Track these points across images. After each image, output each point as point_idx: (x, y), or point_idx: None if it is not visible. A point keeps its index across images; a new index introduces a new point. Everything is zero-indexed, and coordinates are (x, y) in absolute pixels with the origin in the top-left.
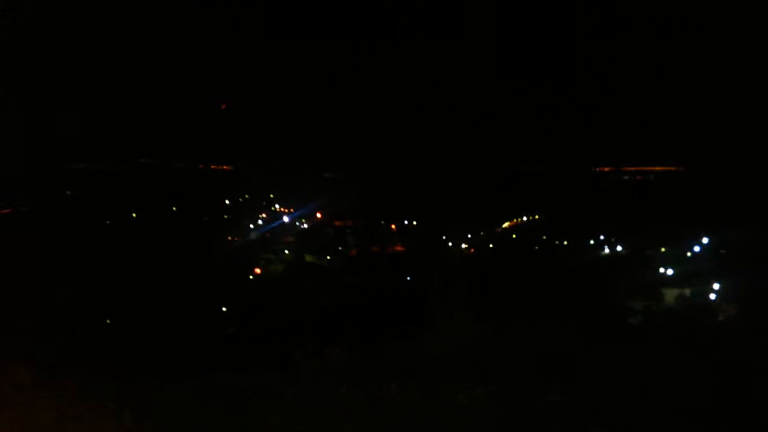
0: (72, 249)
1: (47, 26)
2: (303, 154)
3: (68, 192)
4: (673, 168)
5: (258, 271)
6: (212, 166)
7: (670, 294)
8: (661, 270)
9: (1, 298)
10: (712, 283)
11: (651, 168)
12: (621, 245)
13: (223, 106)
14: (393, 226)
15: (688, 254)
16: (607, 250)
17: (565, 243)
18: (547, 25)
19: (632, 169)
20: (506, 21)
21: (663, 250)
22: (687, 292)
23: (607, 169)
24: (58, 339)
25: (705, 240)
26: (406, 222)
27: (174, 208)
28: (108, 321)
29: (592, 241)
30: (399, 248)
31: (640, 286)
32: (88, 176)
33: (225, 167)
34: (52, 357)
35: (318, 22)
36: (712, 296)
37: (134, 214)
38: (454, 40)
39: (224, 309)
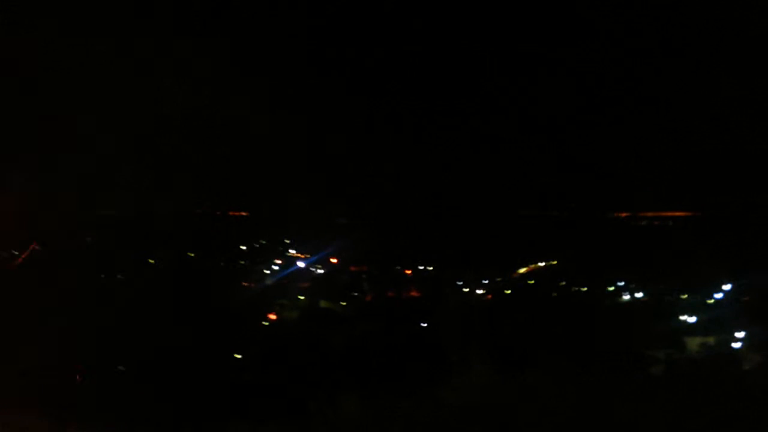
0: (86, 294)
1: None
2: (318, 199)
3: (86, 237)
4: (691, 213)
5: (272, 317)
6: (229, 212)
7: (693, 342)
8: (683, 317)
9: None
10: (736, 331)
11: (669, 213)
12: (641, 292)
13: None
14: (408, 272)
15: (710, 301)
16: (626, 297)
17: (584, 289)
18: (564, 70)
19: (650, 214)
20: (523, 63)
21: (684, 297)
22: (710, 340)
23: (624, 214)
24: (67, 386)
25: (727, 287)
26: (421, 267)
27: (190, 254)
28: (120, 367)
29: (611, 288)
30: (414, 294)
31: (661, 334)
32: (104, 221)
33: (241, 213)
34: (60, 405)
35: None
36: (736, 344)
37: (150, 260)
38: (471, 85)
39: (238, 356)
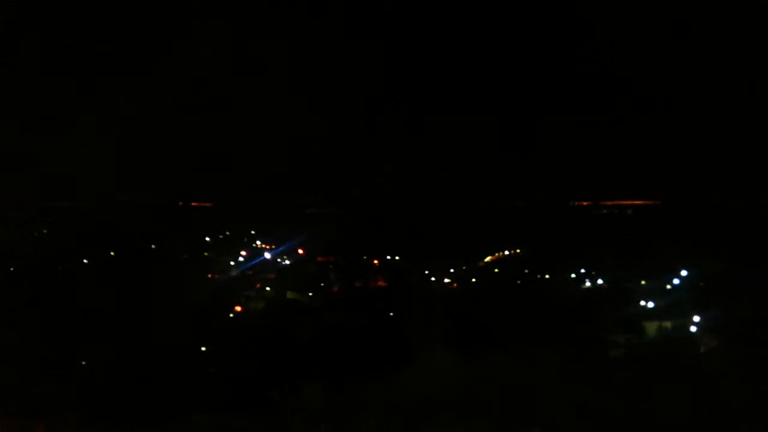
0: (47, 286)
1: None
2: (285, 189)
3: (45, 230)
4: (651, 202)
5: (238, 308)
6: (192, 203)
7: (651, 327)
8: (642, 303)
9: None
10: (693, 316)
11: (629, 202)
12: (601, 279)
13: None
14: (375, 262)
15: (668, 287)
16: (587, 284)
17: (547, 277)
18: (526, 60)
19: (611, 203)
20: (487, 59)
21: (643, 283)
22: (668, 325)
23: (585, 203)
24: (34, 379)
25: (684, 273)
26: (388, 257)
27: (153, 246)
28: (83, 362)
29: (573, 275)
30: (381, 284)
31: (621, 320)
32: (66, 213)
33: (205, 203)
34: (27, 396)
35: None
36: (693, 329)
37: (112, 252)
38: (437, 81)
39: (203, 348)
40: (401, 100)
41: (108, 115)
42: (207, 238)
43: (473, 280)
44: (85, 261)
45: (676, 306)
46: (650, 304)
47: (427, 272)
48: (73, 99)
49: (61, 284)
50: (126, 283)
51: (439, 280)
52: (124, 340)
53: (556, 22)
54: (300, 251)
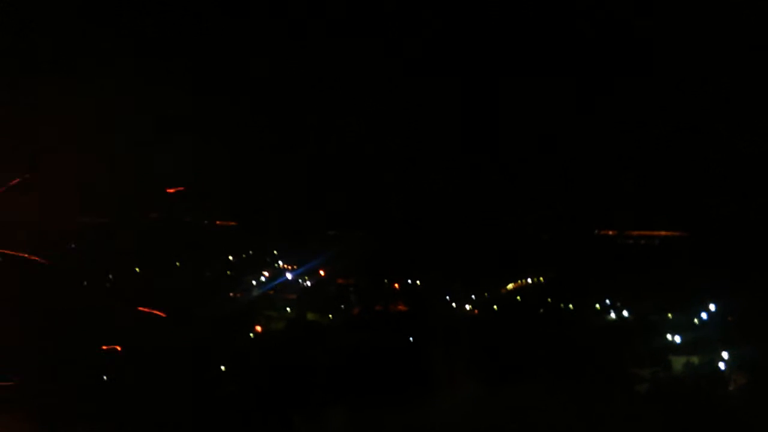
0: (73, 303)
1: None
2: (307, 210)
3: (72, 245)
4: (678, 233)
5: (259, 328)
6: (217, 222)
7: (678, 361)
8: (668, 337)
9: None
10: (721, 351)
11: (656, 233)
12: (627, 310)
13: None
14: (396, 285)
15: (696, 321)
16: (612, 315)
17: (570, 306)
18: (548, 86)
19: (637, 233)
20: (511, 86)
21: (669, 316)
22: (695, 359)
23: (611, 232)
24: (57, 395)
25: (712, 307)
26: (409, 281)
27: (177, 264)
28: (104, 376)
29: (597, 305)
30: (402, 308)
31: (646, 352)
32: (92, 230)
33: (229, 222)
34: (52, 413)
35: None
36: (721, 364)
37: (137, 269)
38: (459, 104)
39: (223, 367)
40: (422, 125)
41: (133, 134)
42: (230, 257)
43: (495, 307)
44: (109, 277)
45: (703, 340)
46: (677, 338)
47: (448, 298)
48: (98, 120)
49: (86, 299)
50: (148, 300)
51: (461, 306)
52: (145, 357)
53: (582, 52)
54: (321, 273)
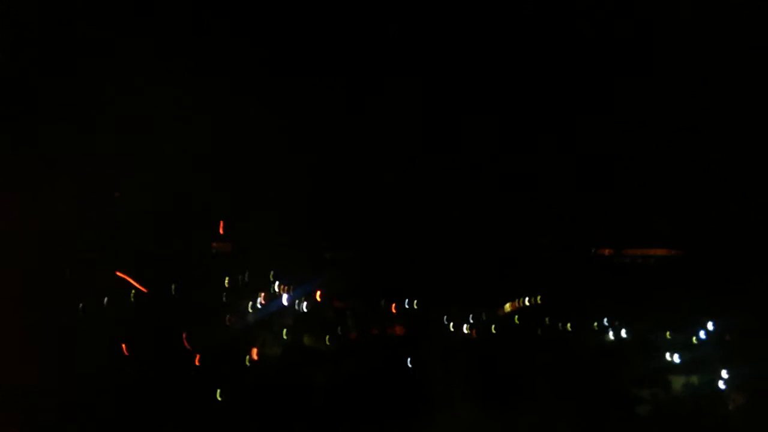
0: (65, 327)
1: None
2: (303, 233)
3: (67, 275)
4: (675, 252)
5: (255, 353)
6: (212, 244)
7: (678, 381)
8: (667, 356)
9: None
10: (720, 370)
11: (652, 251)
12: (625, 330)
13: None
14: (393, 308)
15: (694, 340)
16: (611, 335)
17: (569, 327)
18: (543, 105)
19: (633, 252)
20: (510, 108)
21: (668, 335)
22: (695, 379)
23: (607, 252)
24: (52, 422)
25: (711, 326)
26: (406, 304)
27: (172, 288)
28: (97, 405)
29: (595, 325)
30: (399, 331)
31: (646, 373)
32: (88, 255)
33: (224, 245)
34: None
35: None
36: (721, 384)
37: (132, 296)
38: (455, 124)
39: (219, 392)
40: (422, 146)
41: (127, 162)
42: (226, 281)
43: (493, 328)
44: (101, 302)
45: (702, 360)
46: (676, 358)
47: (445, 320)
48: (98, 152)
49: (76, 325)
50: (142, 325)
51: (458, 328)
52: (137, 384)
53: (582, 74)
54: (317, 296)
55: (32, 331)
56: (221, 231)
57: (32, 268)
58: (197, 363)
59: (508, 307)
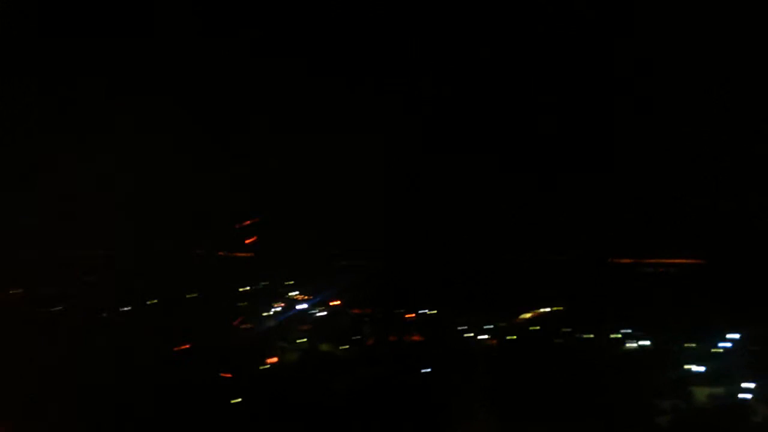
0: (84, 334)
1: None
2: (321, 240)
3: (87, 278)
4: (696, 261)
5: (272, 360)
6: (231, 253)
7: (700, 392)
8: (689, 367)
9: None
10: (743, 381)
11: (674, 260)
12: (646, 340)
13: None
14: (411, 316)
15: (717, 350)
16: (631, 345)
17: (589, 336)
18: (566, 111)
19: (654, 261)
20: (524, 113)
21: (690, 345)
22: (717, 390)
23: (627, 260)
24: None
25: (734, 335)
26: (424, 311)
27: (191, 295)
28: (114, 412)
29: (616, 335)
30: (417, 338)
31: (667, 384)
32: (104, 261)
33: (244, 254)
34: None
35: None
36: (744, 395)
37: (151, 301)
38: (470, 128)
39: (236, 400)
40: (436, 154)
41: (153, 168)
42: (246, 288)
43: (511, 337)
44: (121, 309)
45: (725, 370)
46: (698, 368)
47: (463, 328)
48: (120, 155)
49: (96, 332)
50: (161, 332)
51: (476, 336)
52: (156, 390)
53: (598, 81)
54: (334, 303)
55: (52, 334)
56: (244, 239)
57: (53, 268)
58: (214, 368)
59: (526, 315)
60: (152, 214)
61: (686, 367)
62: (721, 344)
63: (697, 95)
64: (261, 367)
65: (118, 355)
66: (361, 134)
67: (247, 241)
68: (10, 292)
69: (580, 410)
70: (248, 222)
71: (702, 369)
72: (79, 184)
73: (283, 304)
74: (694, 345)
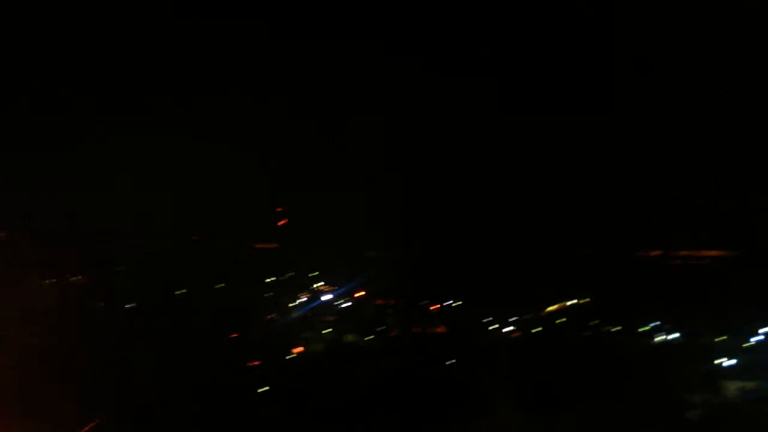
0: (115, 324)
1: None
2: (346, 232)
3: (118, 268)
4: (728, 253)
5: (298, 350)
6: (257, 245)
7: (731, 386)
8: (719, 360)
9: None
10: None
11: (705, 252)
12: (675, 333)
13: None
14: (435, 307)
15: (749, 343)
16: (660, 338)
17: (616, 329)
18: (591, 106)
19: (685, 253)
20: (554, 107)
21: (720, 339)
22: (749, 384)
23: (657, 253)
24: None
25: (765, 329)
26: (448, 303)
27: (218, 286)
28: (145, 400)
29: (644, 328)
30: (440, 330)
31: (696, 378)
32: (133, 253)
33: (270, 245)
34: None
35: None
36: None
37: (179, 291)
38: (497, 124)
39: (263, 388)
40: (461, 148)
41: (179, 161)
42: (271, 279)
43: (536, 330)
44: (150, 300)
45: (757, 364)
46: (729, 362)
47: (488, 320)
48: (146, 148)
49: (126, 322)
50: (189, 322)
51: (501, 328)
52: (185, 379)
53: (637, 80)
54: (359, 294)
55: (84, 325)
56: (278, 222)
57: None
58: (242, 358)
59: (553, 308)
60: (183, 207)
61: (717, 360)
62: (753, 338)
63: (733, 91)
64: (287, 357)
65: (147, 346)
66: (386, 129)
67: (279, 224)
68: (62, 280)
69: (608, 403)
70: (281, 209)
71: (733, 363)
72: (116, 179)
73: (308, 295)
74: (724, 338)
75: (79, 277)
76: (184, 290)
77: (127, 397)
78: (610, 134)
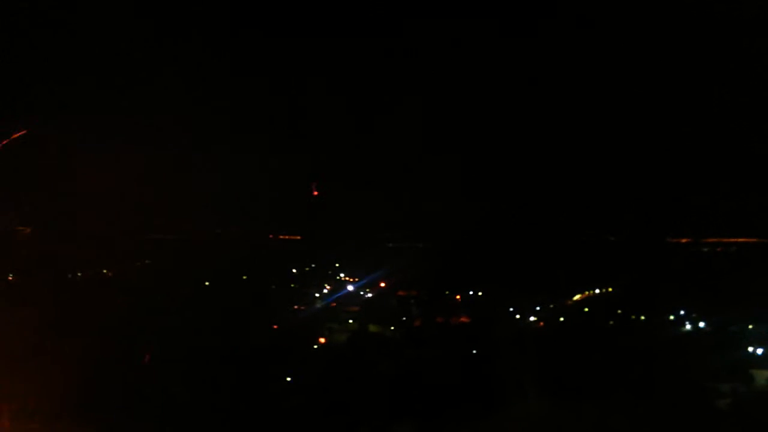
0: (144, 314)
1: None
2: (369, 223)
3: (145, 260)
4: (758, 240)
5: (322, 340)
6: (281, 236)
7: (760, 375)
8: (749, 349)
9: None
10: None
11: (733, 240)
12: (703, 322)
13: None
14: (458, 297)
15: None
16: (688, 327)
17: (642, 318)
18: (618, 95)
19: (713, 240)
20: (575, 94)
21: (749, 327)
22: None
23: (685, 240)
24: (125, 405)
25: None
26: (471, 293)
27: (244, 277)
28: (172, 388)
29: (671, 317)
30: (464, 320)
31: (726, 367)
32: (162, 245)
33: (294, 236)
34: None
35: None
36: None
37: (206, 282)
38: (524, 114)
39: (288, 378)
40: (487, 138)
41: (205, 154)
42: (294, 270)
43: (561, 319)
44: (176, 290)
45: None
46: (758, 350)
47: (511, 309)
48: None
49: (154, 312)
50: (215, 312)
51: (525, 318)
52: (211, 368)
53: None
54: (382, 285)
55: (110, 315)
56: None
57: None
58: (266, 348)
59: (577, 297)
60: (209, 200)
61: (746, 349)
62: None
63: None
64: (312, 347)
65: (174, 335)
66: (408, 122)
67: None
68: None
69: (635, 392)
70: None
71: (763, 351)
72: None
73: (332, 286)
74: (755, 326)
75: (106, 272)
76: (207, 282)
77: (147, 388)
78: (640, 123)
